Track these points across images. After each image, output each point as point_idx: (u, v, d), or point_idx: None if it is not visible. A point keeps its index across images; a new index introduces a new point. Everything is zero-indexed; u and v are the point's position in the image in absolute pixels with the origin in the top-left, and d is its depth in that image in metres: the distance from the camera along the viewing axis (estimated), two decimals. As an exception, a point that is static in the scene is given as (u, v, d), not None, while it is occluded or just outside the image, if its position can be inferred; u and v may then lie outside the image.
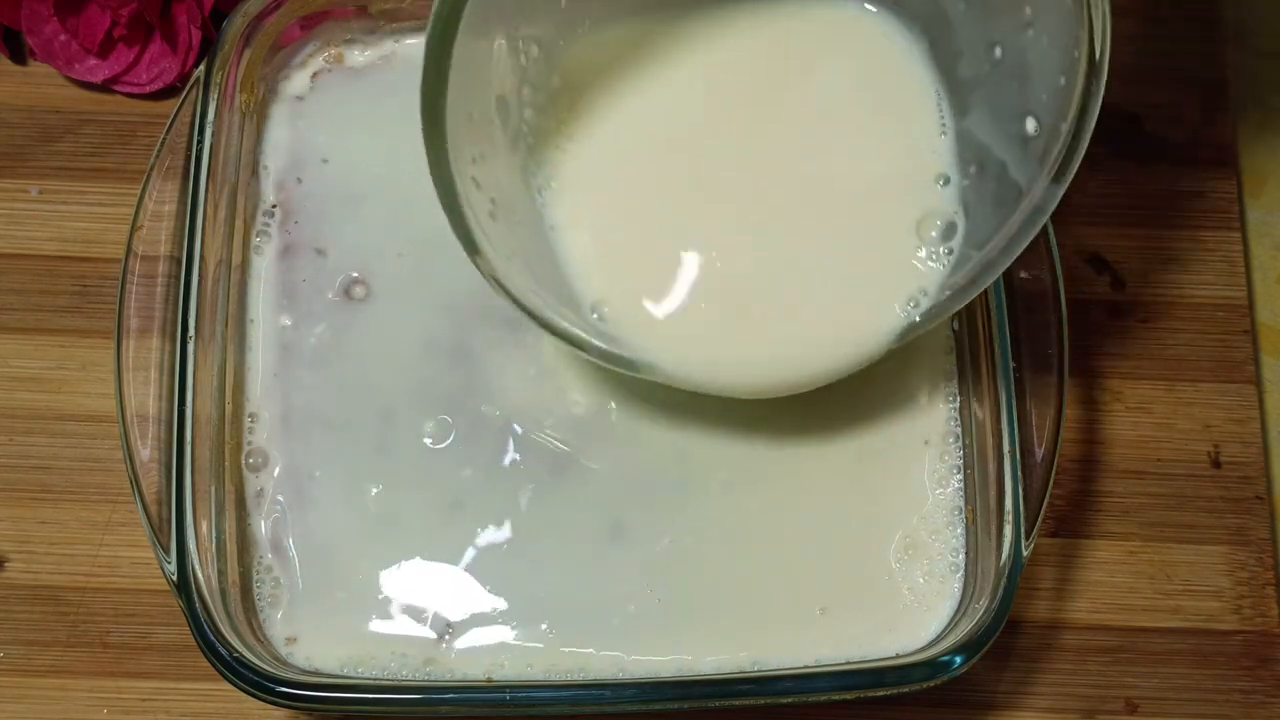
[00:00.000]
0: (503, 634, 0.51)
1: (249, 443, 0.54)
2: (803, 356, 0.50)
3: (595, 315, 0.50)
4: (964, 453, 0.54)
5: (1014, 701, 0.55)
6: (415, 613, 0.52)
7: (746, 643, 0.51)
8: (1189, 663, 0.55)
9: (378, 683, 0.50)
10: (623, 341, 0.49)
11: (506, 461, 0.53)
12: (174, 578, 0.49)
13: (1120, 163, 0.62)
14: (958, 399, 0.54)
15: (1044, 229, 0.55)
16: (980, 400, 0.53)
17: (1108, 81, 0.66)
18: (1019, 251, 0.48)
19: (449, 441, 0.54)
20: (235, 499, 0.53)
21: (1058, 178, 0.46)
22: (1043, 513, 0.50)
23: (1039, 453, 0.51)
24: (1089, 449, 0.58)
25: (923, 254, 0.50)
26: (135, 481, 0.51)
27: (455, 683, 0.50)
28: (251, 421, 0.54)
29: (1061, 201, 0.61)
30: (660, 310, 0.50)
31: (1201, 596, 0.56)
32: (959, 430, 0.54)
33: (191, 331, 0.51)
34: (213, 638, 0.48)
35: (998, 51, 0.49)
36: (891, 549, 0.53)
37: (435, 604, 0.52)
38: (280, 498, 0.53)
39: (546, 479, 0.53)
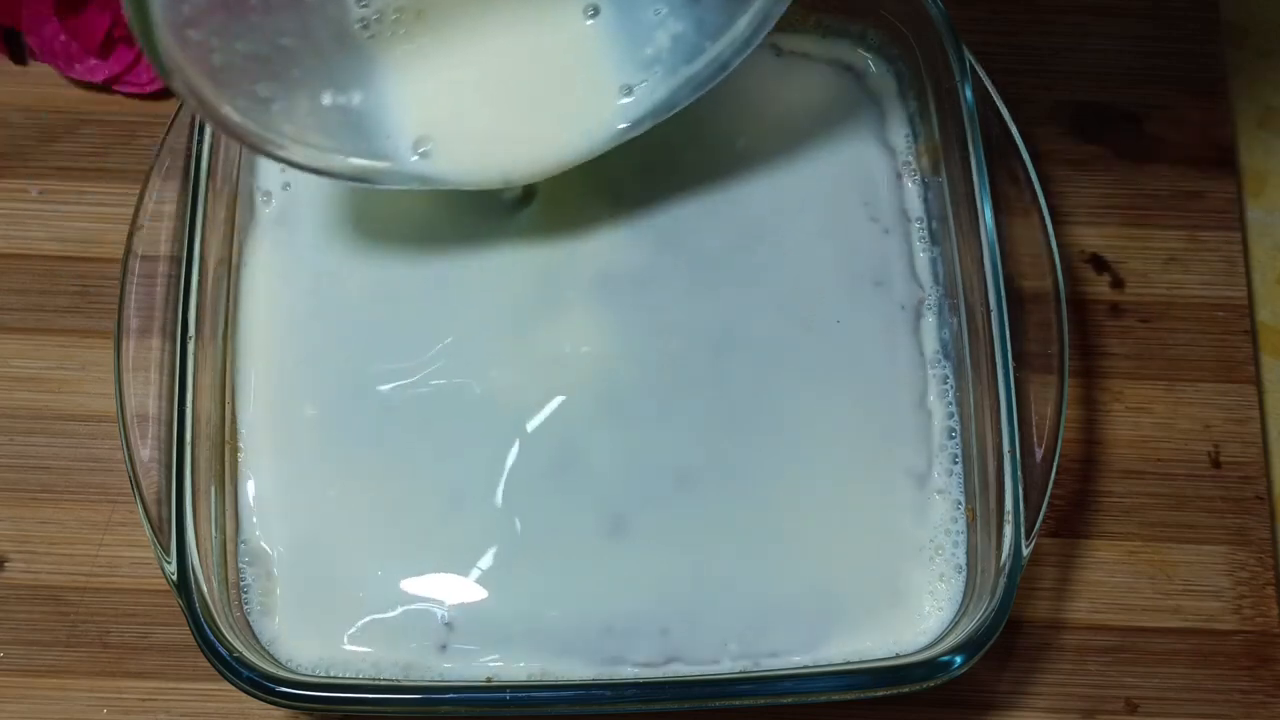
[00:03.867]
0: (496, 634, 0.51)
1: (248, 443, 0.54)
2: (561, 136, 0.53)
3: (421, 150, 0.51)
4: (964, 453, 0.54)
5: (1014, 701, 0.55)
6: (408, 611, 0.51)
7: (746, 643, 0.51)
8: (1189, 663, 0.55)
9: (378, 683, 0.50)
10: (441, 169, 0.52)
11: (505, 460, 0.53)
12: (174, 578, 0.49)
13: (1120, 163, 0.62)
14: (958, 400, 0.54)
15: (1044, 229, 0.55)
16: (980, 400, 0.53)
17: (1106, 82, 0.66)
18: (748, 52, 0.51)
19: (448, 439, 0.54)
20: (235, 498, 0.53)
21: None
22: (1043, 513, 0.50)
23: (1039, 453, 0.51)
24: (1089, 449, 0.58)
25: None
26: (135, 481, 0.51)
27: (455, 683, 0.50)
28: (251, 421, 0.54)
29: (1061, 201, 0.61)
30: (473, 130, 0.52)
31: (1201, 596, 0.56)
32: (959, 430, 0.54)
33: (191, 331, 0.51)
34: (213, 637, 0.48)
35: None
36: (891, 549, 0.53)
37: (427, 602, 0.52)
38: (277, 497, 0.53)
39: (544, 477, 0.53)
